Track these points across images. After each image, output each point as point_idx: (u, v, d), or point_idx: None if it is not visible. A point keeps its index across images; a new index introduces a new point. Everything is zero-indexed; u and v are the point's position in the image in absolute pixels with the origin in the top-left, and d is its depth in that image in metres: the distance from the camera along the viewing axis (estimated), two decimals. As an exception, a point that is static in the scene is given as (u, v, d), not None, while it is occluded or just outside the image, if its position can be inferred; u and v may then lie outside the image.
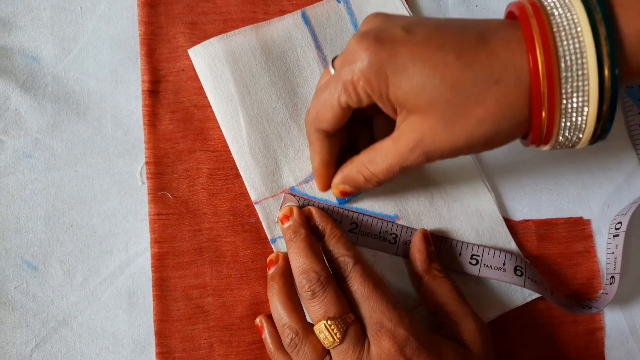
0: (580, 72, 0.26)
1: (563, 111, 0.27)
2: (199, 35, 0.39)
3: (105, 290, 0.37)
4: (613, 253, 0.39)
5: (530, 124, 0.28)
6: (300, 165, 0.38)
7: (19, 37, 0.38)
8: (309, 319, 0.33)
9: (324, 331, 0.31)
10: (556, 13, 0.27)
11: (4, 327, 0.36)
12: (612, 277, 0.38)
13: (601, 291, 0.39)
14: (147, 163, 0.38)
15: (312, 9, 0.40)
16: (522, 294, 0.38)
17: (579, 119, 0.27)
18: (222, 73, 0.38)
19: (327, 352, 0.32)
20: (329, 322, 0.31)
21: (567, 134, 0.28)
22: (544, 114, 0.27)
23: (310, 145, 0.35)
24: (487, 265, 0.37)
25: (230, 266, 0.38)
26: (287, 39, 0.39)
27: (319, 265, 0.33)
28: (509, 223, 0.39)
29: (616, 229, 0.39)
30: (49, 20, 0.39)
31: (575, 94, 0.26)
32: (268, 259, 0.36)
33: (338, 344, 0.31)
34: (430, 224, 0.38)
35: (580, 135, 0.28)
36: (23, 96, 0.38)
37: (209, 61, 0.38)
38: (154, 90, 0.38)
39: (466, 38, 0.28)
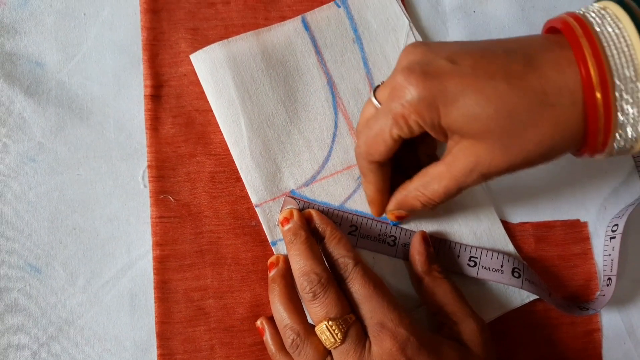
0: (632, 85, 0.26)
1: (620, 124, 0.27)
2: (201, 40, 0.40)
3: (107, 292, 0.37)
4: (610, 255, 0.39)
5: (586, 137, 0.28)
6: (300, 169, 0.39)
7: (23, 43, 0.39)
8: (310, 321, 0.34)
9: (325, 332, 0.32)
10: (603, 27, 0.27)
11: (7, 330, 0.36)
12: (609, 278, 0.39)
13: (598, 292, 0.40)
14: (149, 167, 0.38)
15: (312, 15, 0.41)
16: (520, 296, 0.39)
17: (636, 128, 0.27)
18: (223, 78, 0.39)
19: (329, 352, 0.33)
20: (330, 322, 0.32)
21: (622, 144, 0.28)
22: (600, 128, 0.27)
23: (363, 177, 0.35)
24: (485, 267, 0.38)
25: (231, 268, 0.38)
26: (287, 45, 0.40)
27: (320, 267, 0.33)
28: (507, 225, 0.40)
29: (612, 231, 0.40)
30: (52, 26, 0.39)
31: (630, 106, 0.26)
32: (269, 262, 0.37)
33: (339, 345, 0.32)
34: (429, 226, 0.39)
35: (636, 144, 0.28)
36: (27, 101, 0.38)
37: (211, 66, 0.39)
38: (156, 94, 0.39)
39: (514, 64, 0.28)
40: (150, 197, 0.38)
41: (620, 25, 0.27)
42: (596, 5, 0.28)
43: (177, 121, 0.39)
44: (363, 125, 0.33)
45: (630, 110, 0.26)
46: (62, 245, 0.37)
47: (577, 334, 0.40)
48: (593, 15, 0.28)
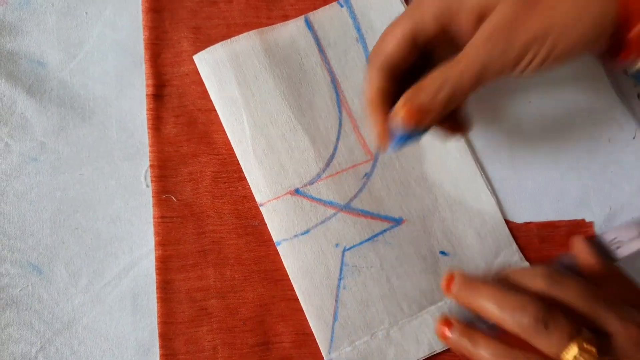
0: None
1: None
2: (203, 39, 0.40)
3: (109, 292, 0.37)
4: None
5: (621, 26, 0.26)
6: (305, 167, 0.38)
7: (25, 42, 0.39)
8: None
9: (583, 354, 0.27)
10: None
11: (9, 329, 0.36)
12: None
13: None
14: (151, 166, 0.38)
15: (315, 15, 0.40)
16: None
17: None
18: (226, 77, 0.39)
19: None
20: (580, 340, 0.27)
21: None
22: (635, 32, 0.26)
23: (365, 82, 0.32)
24: None
25: (234, 268, 0.38)
26: (290, 43, 0.40)
27: (524, 295, 0.29)
28: (511, 225, 0.40)
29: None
30: (54, 26, 0.39)
31: None
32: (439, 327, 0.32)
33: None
34: (434, 227, 0.39)
35: None
36: (29, 100, 0.38)
37: (214, 66, 0.39)
38: (159, 94, 0.39)
39: None
40: (152, 196, 0.38)
41: None
42: None
43: (179, 121, 0.39)
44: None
45: None
46: (64, 245, 0.37)
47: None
48: None
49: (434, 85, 0.29)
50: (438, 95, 0.28)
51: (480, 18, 0.28)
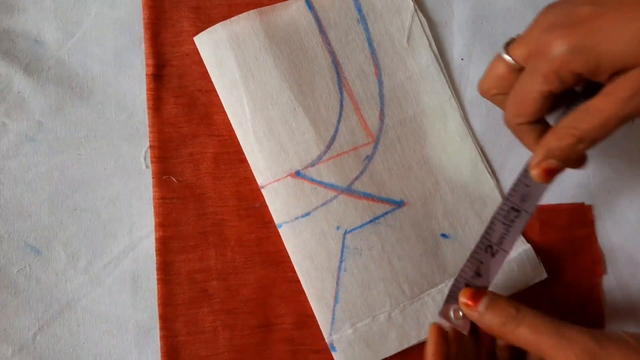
0: None
1: None
2: (204, 19, 0.39)
3: (109, 274, 0.37)
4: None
5: None
6: (305, 149, 0.38)
7: (22, 20, 0.38)
8: None
9: None
10: None
11: (7, 311, 0.35)
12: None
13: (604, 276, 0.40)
14: (151, 147, 0.38)
15: (316, -5, 0.40)
16: (524, 278, 0.39)
17: None
18: (226, 58, 0.38)
19: None
20: None
21: None
22: None
23: (522, 141, 0.33)
24: None
25: (235, 250, 0.38)
26: (290, 23, 0.39)
27: None
28: (512, 208, 0.40)
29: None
30: (52, 3, 0.39)
31: None
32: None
33: None
34: (435, 209, 0.39)
35: None
36: (26, 79, 0.37)
37: (214, 47, 0.38)
38: (158, 74, 0.38)
39: None
40: (152, 177, 0.38)
41: None
42: None
43: (179, 101, 0.39)
44: (487, 90, 0.33)
45: None
46: (62, 226, 0.37)
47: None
48: None
49: (566, 141, 0.30)
50: (570, 152, 0.30)
51: (619, 72, 0.28)
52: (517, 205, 0.33)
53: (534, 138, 0.33)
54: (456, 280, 0.33)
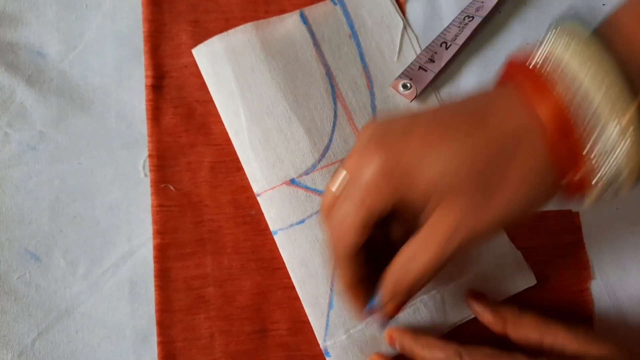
0: (594, 117, 0.25)
1: (593, 161, 0.25)
2: (202, 33, 0.40)
3: (107, 280, 0.37)
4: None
5: (561, 177, 0.27)
6: (300, 157, 0.39)
7: (25, 33, 0.39)
8: None
9: None
10: (552, 63, 0.26)
11: (7, 317, 0.36)
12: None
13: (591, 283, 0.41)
14: (150, 156, 0.39)
15: (310, 10, 0.41)
16: (513, 284, 0.39)
17: (611, 162, 0.25)
18: (223, 70, 0.39)
19: None
20: None
21: (605, 180, 0.26)
22: (573, 178, 0.26)
23: (336, 269, 0.33)
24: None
25: (231, 257, 0.38)
26: (286, 36, 0.41)
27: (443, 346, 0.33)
28: (502, 215, 0.40)
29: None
30: (54, 17, 0.40)
31: (597, 141, 0.25)
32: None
33: None
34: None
35: (621, 178, 0.26)
36: (28, 90, 0.38)
37: (211, 59, 0.40)
38: (158, 85, 0.39)
39: (467, 120, 0.27)
40: (150, 186, 0.38)
41: (571, 61, 0.25)
42: (548, 37, 0.27)
43: (178, 112, 0.39)
44: (326, 213, 0.30)
45: (598, 142, 0.25)
46: (62, 233, 0.37)
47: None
48: (542, 51, 0.26)
49: (398, 278, 0.30)
50: (407, 285, 0.29)
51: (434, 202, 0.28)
52: (472, 14, 0.41)
53: (351, 270, 0.31)
54: (412, 63, 0.41)
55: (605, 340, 0.34)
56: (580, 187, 0.26)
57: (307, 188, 0.39)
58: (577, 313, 0.40)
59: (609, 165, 0.25)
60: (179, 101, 0.40)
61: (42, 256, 0.37)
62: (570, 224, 0.41)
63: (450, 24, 0.42)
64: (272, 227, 0.38)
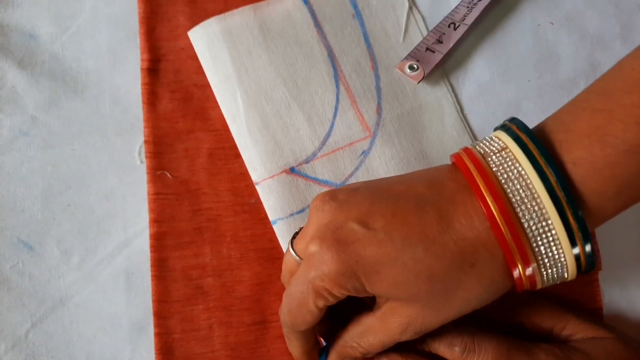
0: (541, 225, 0.26)
1: (541, 263, 0.27)
2: (199, 14, 0.39)
3: (102, 270, 0.36)
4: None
5: (512, 282, 0.28)
6: (300, 145, 0.38)
7: (16, 15, 0.38)
8: None
9: None
10: (501, 169, 0.27)
11: (0, 307, 0.35)
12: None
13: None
14: (146, 142, 0.37)
15: (311, -10, 0.40)
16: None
17: (557, 265, 0.27)
18: (219, 53, 0.38)
19: None
20: None
21: (550, 278, 0.28)
22: (521, 272, 0.27)
23: (288, 341, 0.33)
24: None
25: (230, 246, 0.37)
26: (285, 17, 0.39)
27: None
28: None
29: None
30: (46, -2, 0.38)
31: (544, 247, 0.26)
32: None
33: None
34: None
35: (565, 276, 0.28)
36: (20, 73, 0.37)
37: (207, 41, 0.38)
38: (154, 68, 0.38)
39: (428, 224, 0.27)
40: (147, 173, 0.37)
41: (516, 162, 0.27)
42: (495, 137, 0.29)
43: (174, 96, 0.38)
44: (287, 279, 0.31)
45: (546, 246, 0.26)
46: (56, 221, 0.36)
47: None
48: (491, 152, 0.28)
49: (349, 345, 0.31)
50: (356, 353, 0.31)
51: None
52: None
53: (303, 343, 0.32)
54: (419, 44, 0.40)
55: (612, 329, 0.34)
56: (528, 281, 0.28)
57: (307, 177, 0.38)
58: (585, 304, 0.39)
59: (551, 258, 0.27)
60: (175, 85, 0.38)
61: (35, 245, 0.36)
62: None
63: (458, 4, 0.41)
64: (271, 217, 0.37)
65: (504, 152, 0.27)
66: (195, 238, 0.37)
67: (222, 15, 0.38)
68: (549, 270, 0.27)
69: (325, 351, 0.34)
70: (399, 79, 0.40)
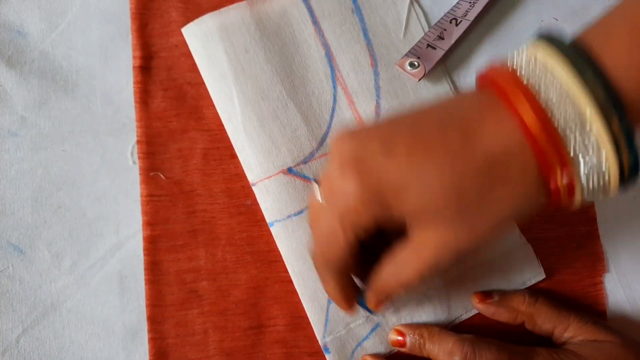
0: (580, 129, 0.24)
1: (580, 169, 0.25)
2: (193, 10, 0.38)
3: (95, 274, 0.36)
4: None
5: (549, 192, 0.26)
6: (297, 145, 0.37)
7: (4, 11, 0.37)
8: None
9: None
10: (535, 74, 0.25)
11: (-11, 313, 0.34)
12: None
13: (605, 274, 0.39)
14: (138, 142, 0.37)
15: (309, -15, 0.39)
16: (521, 278, 0.37)
17: (599, 171, 0.25)
18: (215, 50, 0.37)
19: None
20: None
21: (592, 188, 0.26)
22: (558, 180, 0.25)
23: (323, 282, 0.33)
24: None
25: (226, 249, 0.36)
26: (282, 14, 0.38)
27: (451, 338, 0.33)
28: (512, 205, 0.39)
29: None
30: (35, -7, 0.37)
31: (582, 152, 0.25)
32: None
33: None
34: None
35: (608, 184, 0.26)
36: (8, 72, 0.36)
37: (202, 39, 0.37)
38: (146, 66, 0.37)
39: (451, 139, 0.26)
40: (139, 174, 0.36)
41: (553, 70, 0.25)
42: (527, 49, 0.27)
43: (168, 95, 0.37)
44: (314, 223, 0.31)
45: (585, 154, 0.25)
46: (46, 224, 0.36)
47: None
48: (523, 63, 0.26)
49: (387, 283, 0.31)
50: (394, 289, 0.31)
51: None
52: None
53: (339, 283, 0.32)
54: (420, 41, 0.39)
55: (615, 332, 0.34)
56: (567, 192, 0.26)
57: (304, 177, 0.37)
58: (589, 307, 0.39)
59: (592, 165, 0.25)
60: (168, 83, 0.37)
61: (25, 249, 0.35)
62: (584, 214, 0.39)
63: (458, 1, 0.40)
64: (268, 219, 0.36)
65: (533, 58, 0.26)
66: (190, 241, 0.36)
67: (217, 12, 0.37)
68: (590, 179, 0.25)
69: (363, 293, 0.33)
70: (399, 77, 0.39)
